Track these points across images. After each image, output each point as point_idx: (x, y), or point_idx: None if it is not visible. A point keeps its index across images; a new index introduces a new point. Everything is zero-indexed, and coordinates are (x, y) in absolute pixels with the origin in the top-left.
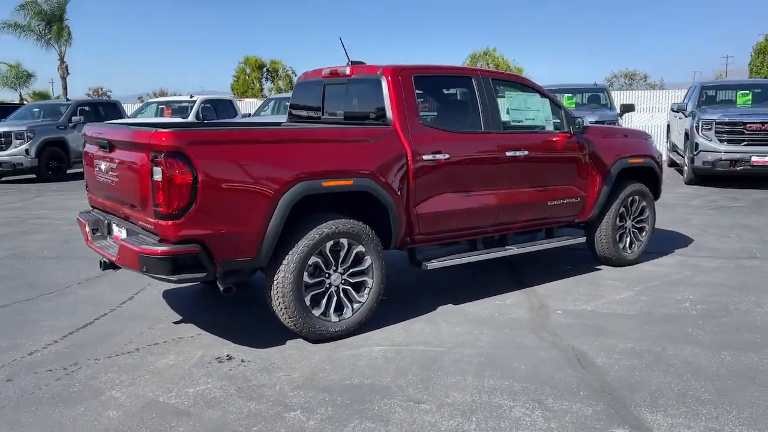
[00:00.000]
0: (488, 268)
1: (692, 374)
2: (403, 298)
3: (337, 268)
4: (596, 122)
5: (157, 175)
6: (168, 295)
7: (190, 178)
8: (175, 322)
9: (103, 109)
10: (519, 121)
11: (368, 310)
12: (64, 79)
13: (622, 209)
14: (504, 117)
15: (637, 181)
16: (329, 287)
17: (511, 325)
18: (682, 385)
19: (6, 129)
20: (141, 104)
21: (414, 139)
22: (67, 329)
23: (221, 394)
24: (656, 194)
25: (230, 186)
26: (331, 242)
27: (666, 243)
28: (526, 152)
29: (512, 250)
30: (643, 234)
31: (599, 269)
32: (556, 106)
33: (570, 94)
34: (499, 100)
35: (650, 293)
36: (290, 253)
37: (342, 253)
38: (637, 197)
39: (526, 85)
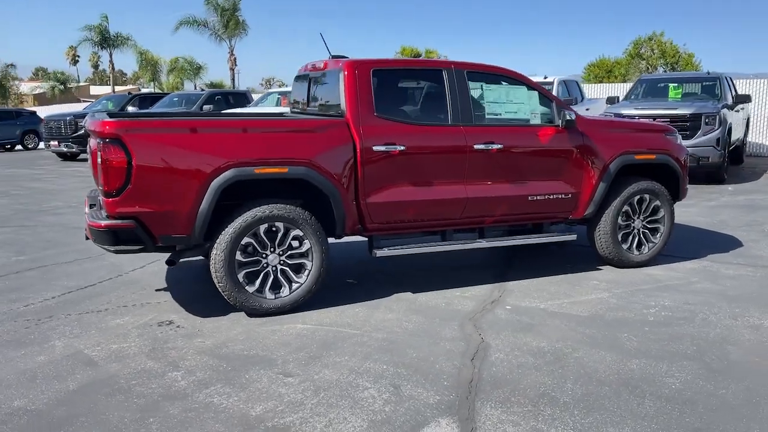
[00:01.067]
0: (479, 261)
1: (576, 378)
2: (369, 285)
3: (274, 250)
4: (692, 114)
5: (99, 159)
6: (176, 268)
7: (124, 162)
8: (157, 290)
9: (233, 98)
10: (497, 114)
11: (306, 291)
12: (232, 70)
13: (627, 208)
14: (481, 110)
15: (648, 178)
16: (266, 267)
17: (448, 316)
18: (551, 387)
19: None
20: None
21: (365, 130)
22: (69, 289)
23: (134, 351)
24: (676, 194)
25: (163, 169)
26: (266, 225)
27: (707, 245)
28: (500, 146)
29: (480, 243)
30: (657, 235)
31: (599, 269)
32: (545, 99)
33: (676, 84)
34: (480, 93)
35: (625, 297)
36: (223, 233)
37: (279, 236)
38: (647, 196)
39: (511, 77)
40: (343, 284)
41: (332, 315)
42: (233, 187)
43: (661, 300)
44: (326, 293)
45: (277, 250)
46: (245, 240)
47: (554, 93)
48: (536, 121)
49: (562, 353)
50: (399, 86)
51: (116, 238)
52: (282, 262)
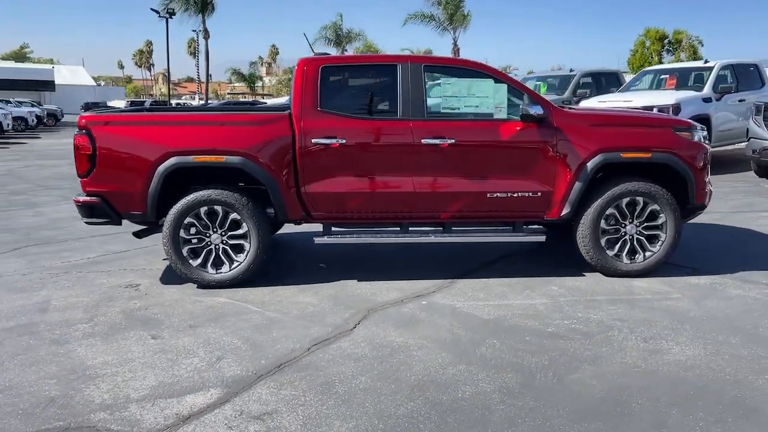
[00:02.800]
0: (463, 256)
1: (381, 373)
2: (331, 270)
3: (217, 230)
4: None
5: (74, 146)
6: None
7: (90, 149)
8: (164, 259)
9: (605, 79)
10: (454, 108)
11: (244, 270)
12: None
13: (613, 211)
14: (437, 104)
15: (643, 178)
16: (209, 245)
17: (355, 304)
18: (344, 378)
19: None
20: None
21: (305, 124)
22: (95, 253)
23: (84, 304)
24: (685, 197)
25: (120, 156)
26: (206, 207)
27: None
28: (452, 141)
29: (429, 238)
30: (657, 244)
31: (582, 275)
32: (516, 92)
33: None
34: (440, 87)
35: (559, 306)
36: (170, 212)
37: (219, 218)
38: (639, 199)
39: (476, 70)
40: (312, 267)
41: (260, 293)
42: (180, 173)
43: (595, 314)
44: (288, 273)
45: (219, 231)
46: (188, 220)
47: (713, 79)
48: (501, 115)
49: (406, 349)
50: (350, 82)
51: (89, 211)
52: (224, 241)
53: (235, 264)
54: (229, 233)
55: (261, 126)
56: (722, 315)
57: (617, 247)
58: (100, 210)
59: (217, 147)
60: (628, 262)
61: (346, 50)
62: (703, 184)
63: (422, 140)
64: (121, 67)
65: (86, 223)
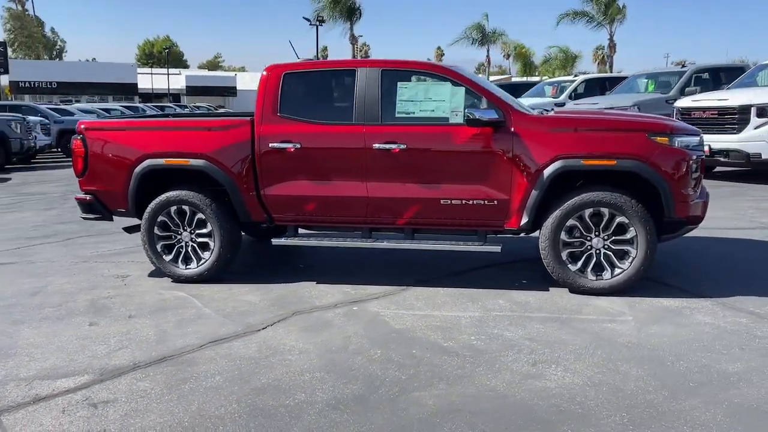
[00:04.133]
0: (437, 264)
1: (233, 376)
2: (309, 272)
3: (186, 229)
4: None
5: (72, 148)
6: None
7: (83, 152)
8: None
9: (726, 75)
10: (409, 113)
11: (209, 267)
12: (610, 57)
13: (574, 222)
14: (392, 108)
15: (616, 188)
16: (180, 242)
17: (286, 306)
18: (191, 379)
19: (608, 104)
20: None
21: (264, 128)
22: (122, 246)
23: (57, 289)
24: (662, 210)
25: (106, 159)
26: (175, 207)
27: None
28: (404, 146)
29: (381, 244)
30: (626, 260)
31: (544, 290)
32: (475, 96)
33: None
34: (397, 91)
35: (492, 322)
36: (145, 211)
37: (187, 217)
38: (605, 210)
39: (435, 74)
40: (290, 268)
41: (216, 290)
42: (155, 175)
43: (512, 332)
44: (260, 272)
45: (188, 230)
46: (160, 218)
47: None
48: (458, 119)
49: (285, 353)
50: (311, 87)
51: (85, 207)
52: (192, 239)
53: (202, 261)
54: (197, 232)
55: (224, 131)
56: (655, 343)
57: (581, 261)
58: (93, 206)
59: (184, 151)
60: (594, 278)
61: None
62: (684, 196)
63: (374, 145)
64: None
65: (82, 218)
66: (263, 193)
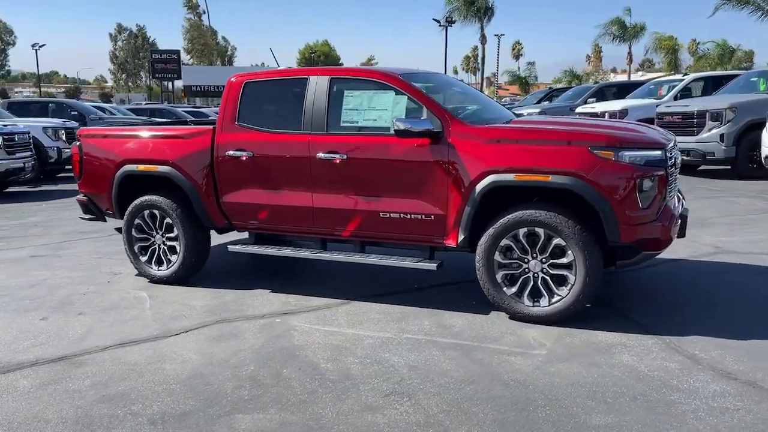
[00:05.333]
0: (403, 278)
1: (92, 383)
2: (263, 280)
3: (158, 232)
4: None
5: (71, 154)
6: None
7: (79, 157)
8: None
9: None
10: (353, 122)
11: (175, 270)
12: None
13: (508, 242)
14: (337, 117)
15: (554, 206)
16: (153, 244)
17: (221, 314)
18: (53, 381)
19: (701, 106)
20: None
21: (222, 137)
22: None
23: (54, 283)
24: (605, 232)
25: (95, 163)
26: (147, 211)
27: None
28: (344, 156)
29: (322, 255)
30: (565, 287)
31: (484, 314)
32: (415, 105)
33: None
34: (345, 100)
35: (394, 346)
36: (125, 213)
37: (158, 221)
38: (540, 230)
39: (379, 81)
40: (264, 273)
41: (175, 292)
42: (131, 180)
43: (401, 358)
44: (229, 277)
45: (160, 233)
46: (136, 221)
47: None
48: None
49: (161, 361)
50: (268, 96)
51: (83, 208)
52: (164, 242)
53: (171, 264)
54: (166, 235)
55: (188, 139)
56: (540, 384)
57: (517, 285)
58: (89, 208)
59: (153, 157)
60: (530, 304)
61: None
62: (631, 218)
63: (317, 155)
64: (455, 72)
65: (80, 218)
66: (222, 200)
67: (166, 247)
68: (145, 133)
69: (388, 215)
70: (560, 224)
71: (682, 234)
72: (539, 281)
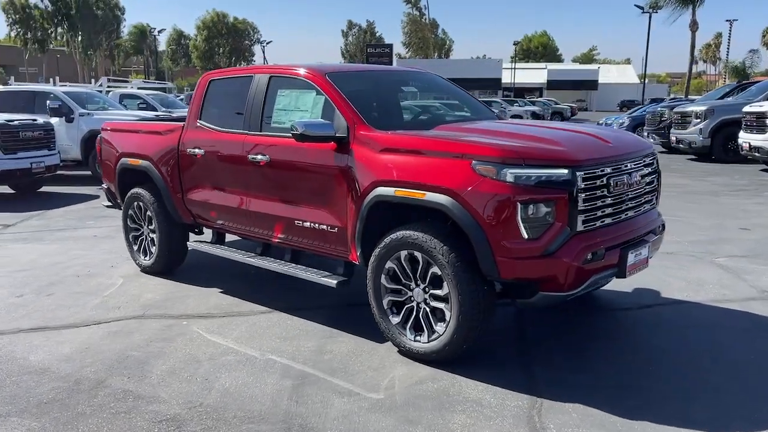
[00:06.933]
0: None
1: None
2: (230, 278)
3: (144, 224)
4: None
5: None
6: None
7: (99, 149)
8: None
9: None
10: (281, 123)
11: (155, 262)
12: None
13: (392, 265)
14: (270, 118)
15: (430, 227)
16: (142, 234)
17: (147, 311)
18: None
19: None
20: None
21: (186, 134)
22: None
23: (56, 259)
24: (478, 263)
25: (106, 156)
26: (136, 202)
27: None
28: (267, 158)
29: (253, 261)
30: (443, 323)
31: (377, 343)
32: (330, 107)
33: None
34: (278, 99)
35: (252, 367)
36: (122, 205)
37: (144, 215)
38: (417, 254)
39: (305, 80)
40: (241, 273)
41: (149, 283)
42: (128, 173)
43: (226, 376)
44: (214, 274)
45: (145, 224)
46: (130, 212)
47: None
48: None
49: (41, 347)
50: (225, 95)
51: (106, 195)
52: (148, 234)
53: (152, 256)
54: (149, 227)
55: (164, 135)
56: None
57: (402, 315)
58: (108, 196)
59: (137, 152)
60: (411, 338)
61: None
62: (511, 250)
63: (248, 156)
64: (695, 62)
65: (103, 205)
66: (185, 196)
67: (149, 239)
68: (141, 128)
69: (301, 223)
70: (434, 250)
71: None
72: (422, 313)
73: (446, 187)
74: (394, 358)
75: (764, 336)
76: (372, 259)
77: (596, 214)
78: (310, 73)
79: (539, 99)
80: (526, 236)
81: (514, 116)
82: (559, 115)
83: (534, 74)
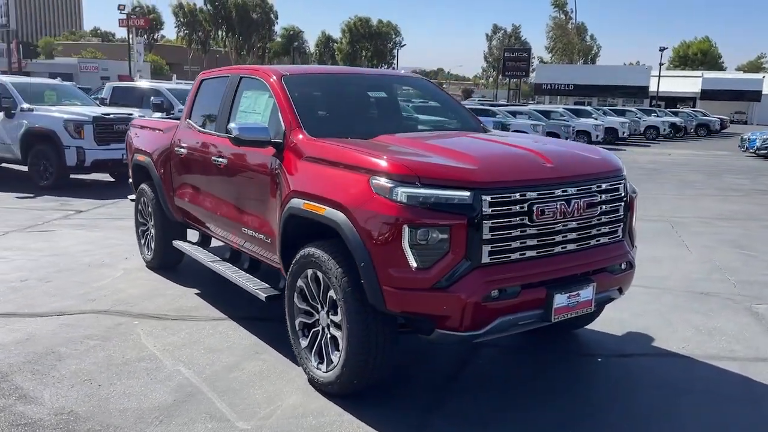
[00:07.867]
0: None
1: None
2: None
3: (150, 220)
4: None
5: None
6: None
7: (128, 144)
8: None
9: None
10: None
11: (152, 257)
12: None
13: (301, 284)
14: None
15: (333, 246)
16: (148, 230)
17: (103, 305)
18: None
19: None
20: None
21: (178, 133)
22: None
23: (82, 246)
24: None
25: (129, 151)
26: (142, 198)
27: None
28: (225, 160)
29: (215, 267)
30: (338, 352)
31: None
32: (277, 109)
33: None
34: (243, 100)
35: (148, 375)
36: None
37: (148, 209)
38: (319, 274)
39: (263, 80)
40: None
41: (143, 278)
42: (139, 168)
43: (107, 381)
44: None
45: (150, 220)
46: (139, 206)
47: None
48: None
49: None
50: (209, 95)
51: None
52: (149, 229)
53: (152, 251)
54: (150, 223)
55: (163, 133)
56: None
57: (309, 338)
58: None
59: (143, 149)
60: (315, 365)
61: None
62: (396, 279)
63: (212, 158)
64: None
65: (130, 199)
66: (174, 195)
67: (151, 235)
68: (151, 125)
69: (247, 232)
70: (329, 272)
71: (545, 314)
72: (325, 339)
73: (340, 203)
74: (296, 385)
75: (736, 409)
76: (288, 275)
77: (510, 245)
78: (265, 74)
79: (683, 110)
80: (414, 265)
81: (649, 127)
82: (704, 127)
83: (687, 83)
